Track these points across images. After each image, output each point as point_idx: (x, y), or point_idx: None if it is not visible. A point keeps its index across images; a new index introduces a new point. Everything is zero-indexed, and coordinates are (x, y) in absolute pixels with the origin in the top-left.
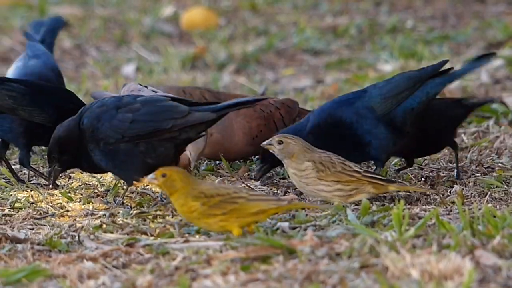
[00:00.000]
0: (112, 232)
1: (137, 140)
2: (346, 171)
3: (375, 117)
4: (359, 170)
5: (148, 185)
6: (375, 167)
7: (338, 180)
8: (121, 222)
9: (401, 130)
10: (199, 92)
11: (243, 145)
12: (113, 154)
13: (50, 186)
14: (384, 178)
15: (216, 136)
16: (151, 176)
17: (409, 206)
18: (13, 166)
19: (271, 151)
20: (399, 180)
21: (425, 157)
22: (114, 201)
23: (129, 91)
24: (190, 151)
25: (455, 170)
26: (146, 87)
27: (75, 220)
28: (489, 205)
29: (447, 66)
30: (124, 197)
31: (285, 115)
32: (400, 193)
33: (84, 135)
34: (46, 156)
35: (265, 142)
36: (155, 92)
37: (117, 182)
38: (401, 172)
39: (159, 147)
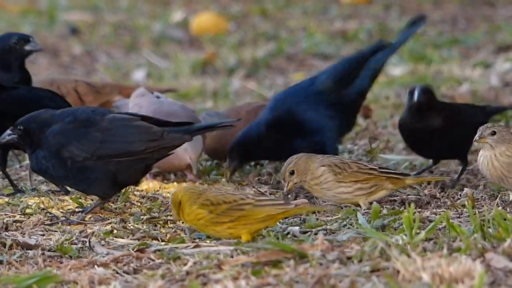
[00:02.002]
0: (123, 238)
1: (107, 159)
2: (363, 169)
3: (326, 101)
4: (374, 167)
5: (158, 190)
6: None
7: (357, 179)
8: (132, 227)
9: (353, 112)
10: (74, 85)
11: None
12: (81, 172)
13: None
14: (400, 172)
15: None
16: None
17: (420, 209)
18: (23, 173)
19: (296, 186)
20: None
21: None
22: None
23: (135, 96)
24: (190, 156)
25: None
26: (152, 93)
27: (85, 226)
28: (500, 208)
29: None
30: (99, 211)
31: None
32: (410, 196)
33: (47, 148)
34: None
35: (285, 190)
36: (159, 97)
37: (128, 188)
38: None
39: (130, 166)
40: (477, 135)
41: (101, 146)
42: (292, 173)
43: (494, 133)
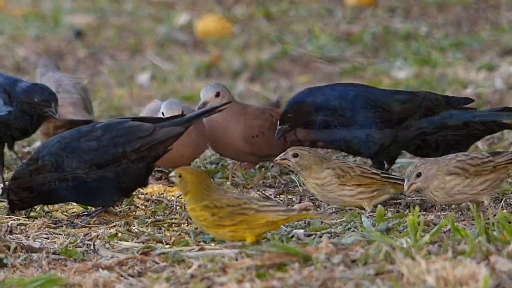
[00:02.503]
0: (127, 241)
1: (106, 165)
2: (366, 174)
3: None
4: (377, 171)
5: (163, 193)
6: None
7: (360, 183)
8: (136, 230)
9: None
10: None
11: (239, 140)
12: (83, 185)
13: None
14: (401, 178)
15: (214, 122)
16: (172, 173)
17: (424, 212)
18: None
19: (286, 166)
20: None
21: None
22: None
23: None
24: None
25: None
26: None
27: (90, 228)
28: (504, 211)
29: None
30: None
31: None
32: (415, 199)
33: (42, 172)
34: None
35: (278, 157)
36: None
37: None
38: None
39: (130, 168)
40: (405, 188)
41: (97, 154)
42: (295, 156)
43: (419, 174)
